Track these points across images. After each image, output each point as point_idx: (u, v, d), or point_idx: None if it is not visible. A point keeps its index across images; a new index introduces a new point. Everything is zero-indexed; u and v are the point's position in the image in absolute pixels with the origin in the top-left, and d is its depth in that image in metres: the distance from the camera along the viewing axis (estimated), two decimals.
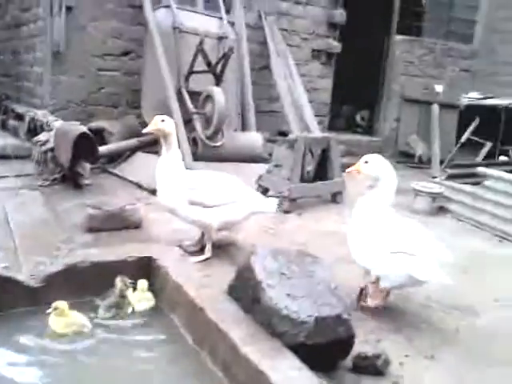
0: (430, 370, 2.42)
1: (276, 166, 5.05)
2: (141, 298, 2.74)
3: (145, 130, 3.39)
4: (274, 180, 4.99)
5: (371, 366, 2.32)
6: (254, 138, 6.16)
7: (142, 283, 2.78)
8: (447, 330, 2.81)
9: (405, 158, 8.56)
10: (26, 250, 3.07)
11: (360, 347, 2.37)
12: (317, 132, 6.41)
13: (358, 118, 9.97)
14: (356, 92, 9.42)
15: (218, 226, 3.37)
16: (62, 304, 2.50)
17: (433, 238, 2.87)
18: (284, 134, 6.31)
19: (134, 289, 2.78)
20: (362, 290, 3.01)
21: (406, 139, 8.69)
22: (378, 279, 2.88)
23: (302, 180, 5.06)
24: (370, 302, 2.95)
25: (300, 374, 1.92)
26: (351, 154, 7.99)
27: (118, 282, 2.74)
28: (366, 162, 2.98)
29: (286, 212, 4.73)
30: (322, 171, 5.31)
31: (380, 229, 2.88)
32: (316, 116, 7.26)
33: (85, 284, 2.73)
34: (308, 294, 2.26)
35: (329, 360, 2.30)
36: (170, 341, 2.50)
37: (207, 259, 3.35)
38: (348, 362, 2.35)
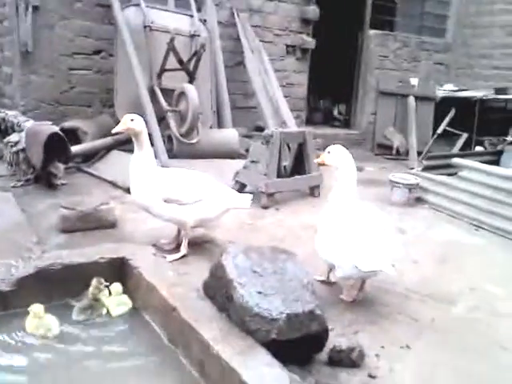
0: (405, 359, 2.44)
1: (253, 161, 5.03)
2: (117, 302, 2.70)
3: (114, 130, 3.34)
4: (251, 176, 4.97)
5: (346, 358, 2.33)
6: (230, 135, 6.13)
7: (116, 286, 2.74)
8: (423, 320, 2.83)
9: (383, 150, 8.64)
10: None
11: (336, 340, 2.38)
12: (293, 127, 6.41)
13: (335, 111, 10.02)
14: (333, 86, 9.46)
15: (193, 223, 3.35)
16: (37, 307, 2.47)
17: (386, 229, 2.90)
18: (261, 129, 6.29)
19: (110, 292, 2.74)
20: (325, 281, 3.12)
21: (384, 132, 8.76)
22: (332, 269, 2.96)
23: (279, 175, 5.05)
24: (346, 297, 2.97)
25: (271, 371, 1.91)
26: None
27: (93, 284, 2.70)
28: (329, 153, 3.02)
29: (264, 207, 4.73)
30: (299, 165, 5.31)
31: (332, 220, 2.94)
32: (293, 111, 7.26)
33: (57, 286, 2.68)
34: (280, 291, 2.25)
35: (303, 354, 2.31)
36: (146, 341, 2.47)
37: (183, 257, 3.33)
38: (324, 355, 2.36)
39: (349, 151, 3.04)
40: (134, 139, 3.26)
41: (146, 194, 3.26)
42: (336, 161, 2.98)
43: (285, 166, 5.35)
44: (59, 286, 2.68)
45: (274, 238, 3.91)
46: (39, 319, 2.46)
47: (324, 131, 8.55)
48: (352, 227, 2.83)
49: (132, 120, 3.21)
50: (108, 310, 2.68)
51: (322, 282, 3.16)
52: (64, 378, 2.22)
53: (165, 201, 3.24)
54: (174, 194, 3.26)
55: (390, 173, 5.66)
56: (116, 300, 2.69)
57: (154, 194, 3.24)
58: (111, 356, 2.35)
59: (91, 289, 2.66)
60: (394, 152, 8.47)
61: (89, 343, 2.44)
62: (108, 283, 2.74)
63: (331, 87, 9.56)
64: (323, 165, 3.12)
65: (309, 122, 8.88)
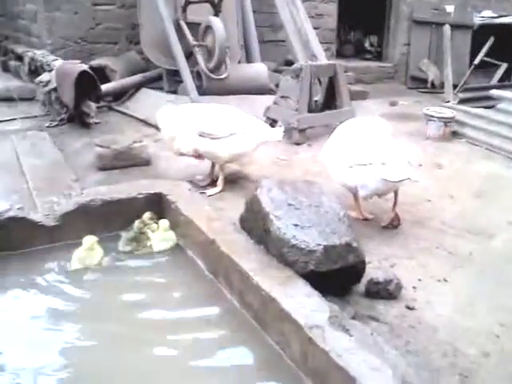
0: (443, 292, 2.46)
1: (283, 96, 4.94)
2: (161, 237, 2.75)
3: None
4: (281, 111, 4.90)
5: (384, 290, 2.36)
6: (259, 69, 6.00)
7: (164, 222, 2.79)
8: (460, 254, 2.82)
9: (417, 83, 8.34)
10: (39, 191, 3.10)
11: (373, 273, 2.41)
12: (323, 60, 6.21)
13: (366, 43, 9.64)
14: (364, 17, 9.06)
15: (228, 158, 3.36)
16: (89, 239, 2.57)
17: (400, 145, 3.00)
18: (290, 63, 6.13)
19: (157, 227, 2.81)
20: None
21: (418, 64, 8.42)
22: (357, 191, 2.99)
23: (310, 110, 4.96)
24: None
25: (310, 300, 1.95)
26: (361, 81, 7.81)
27: (142, 218, 2.77)
28: None
29: (297, 143, 4.70)
30: (330, 100, 5.20)
31: (352, 143, 3.00)
32: (322, 43, 6.98)
33: (98, 221, 2.76)
34: (316, 224, 2.27)
35: (341, 286, 2.35)
36: (186, 272, 2.56)
37: (220, 192, 3.37)
38: (361, 287, 2.40)
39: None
40: None
41: (180, 129, 3.27)
42: None
43: (316, 101, 5.25)
44: (100, 221, 2.77)
45: (309, 174, 3.91)
46: (89, 250, 2.56)
47: (355, 64, 8.26)
48: (364, 144, 2.89)
49: None
50: (153, 246, 2.75)
51: (356, 217, 3.16)
52: (110, 306, 2.33)
53: (199, 135, 3.25)
54: (208, 128, 3.27)
55: (425, 107, 5.49)
56: (161, 235, 2.75)
57: (189, 128, 3.25)
58: (154, 287, 2.45)
59: (137, 222, 2.72)
60: (428, 85, 8.17)
61: (132, 274, 2.54)
62: (156, 219, 2.81)
63: (362, 18, 9.15)
64: None
65: (339, 54, 8.58)
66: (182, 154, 3.47)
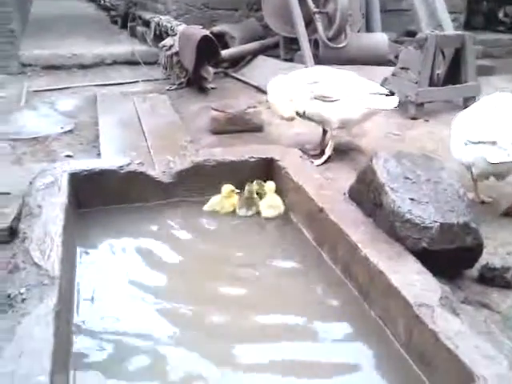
0: None
1: (403, 68, 4.70)
2: (269, 203, 2.76)
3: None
4: (400, 83, 4.67)
5: (500, 277, 2.20)
6: (379, 39, 5.76)
7: (271, 184, 2.81)
8: None
9: None
10: (157, 149, 3.25)
11: (487, 258, 2.25)
12: (450, 30, 5.81)
13: (500, 14, 8.83)
14: None
15: (337, 122, 3.30)
16: (228, 187, 2.74)
17: None
18: (412, 34, 5.81)
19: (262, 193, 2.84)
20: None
21: None
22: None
23: (431, 83, 4.69)
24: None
25: (421, 278, 1.87)
26: (489, 55, 7.21)
27: (252, 184, 2.82)
28: None
29: (412, 118, 4.47)
30: (454, 74, 4.85)
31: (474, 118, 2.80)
32: (450, 13, 6.54)
33: (210, 181, 2.84)
34: (434, 200, 2.16)
35: (453, 268, 2.22)
36: (292, 240, 2.57)
37: (328, 158, 3.33)
38: (474, 272, 2.26)
39: None
40: None
41: (293, 91, 3.26)
42: None
43: (438, 74, 4.93)
44: (212, 181, 2.84)
45: (423, 150, 3.69)
46: (227, 198, 2.72)
47: (485, 37, 7.63)
48: (484, 120, 2.69)
49: None
50: (260, 212, 2.78)
51: (473, 199, 2.95)
52: (219, 258, 2.43)
53: (312, 97, 3.22)
54: (321, 90, 3.23)
55: None
56: (268, 201, 2.76)
57: (302, 90, 3.25)
58: (258, 253, 2.48)
59: (247, 187, 2.78)
60: None
61: (238, 234, 2.61)
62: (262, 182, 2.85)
63: None
64: None
65: (467, 25, 7.96)
66: (284, 119, 3.46)
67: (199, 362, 1.77)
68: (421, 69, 4.52)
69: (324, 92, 3.23)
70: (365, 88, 3.34)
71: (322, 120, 3.34)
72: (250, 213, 2.74)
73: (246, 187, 2.77)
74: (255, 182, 2.83)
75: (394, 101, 3.37)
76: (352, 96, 3.26)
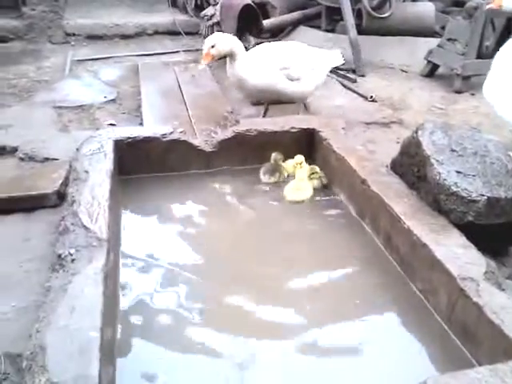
0: None
1: (450, 39, 4.55)
2: (296, 186, 2.68)
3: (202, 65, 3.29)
4: (446, 55, 4.53)
5: None
6: (425, 9, 5.55)
7: (299, 158, 2.77)
8: None
9: None
10: (198, 119, 3.28)
11: None
12: None
13: None
14: None
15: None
16: (300, 157, 2.75)
17: None
18: (461, 4, 5.58)
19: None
20: None
21: None
22: None
23: (479, 55, 4.52)
24: None
25: (466, 252, 1.84)
26: None
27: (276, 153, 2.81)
28: None
29: (457, 92, 4.34)
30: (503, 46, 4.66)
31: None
32: None
33: (251, 151, 2.85)
34: (481, 173, 2.11)
35: (498, 244, 2.18)
36: (332, 211, 2.56)
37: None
38: None
39: None
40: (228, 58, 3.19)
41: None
42: None
43: (487, 46, 4.74)
44: (253, 151, 2.85)
45: (470, 125, 3.60)
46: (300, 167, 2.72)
47: None
48: None
49: (212, 46, 3.10)
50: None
51: None
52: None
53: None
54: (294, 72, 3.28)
55: None
56: (296, 185, 2.68)
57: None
58: (299, 223, 2.49)
59: (274, 154, 2.79)
60: None
61: (279, 207, 2.61)
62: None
63: None
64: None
65: None
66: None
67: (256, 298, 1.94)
68: (469, 40, 4.36)
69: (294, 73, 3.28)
70: (316, 55, 3.41)
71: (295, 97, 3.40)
72: (272, 179, 2.76)
73: (273, 155, 2.77)
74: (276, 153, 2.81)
75: (337, 55, 3.52)
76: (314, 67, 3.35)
